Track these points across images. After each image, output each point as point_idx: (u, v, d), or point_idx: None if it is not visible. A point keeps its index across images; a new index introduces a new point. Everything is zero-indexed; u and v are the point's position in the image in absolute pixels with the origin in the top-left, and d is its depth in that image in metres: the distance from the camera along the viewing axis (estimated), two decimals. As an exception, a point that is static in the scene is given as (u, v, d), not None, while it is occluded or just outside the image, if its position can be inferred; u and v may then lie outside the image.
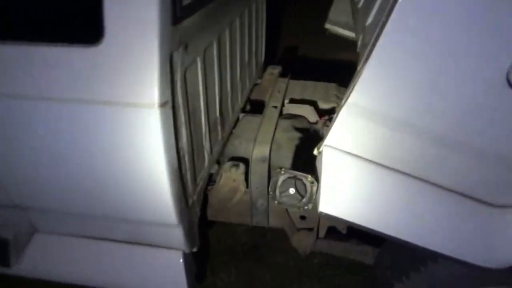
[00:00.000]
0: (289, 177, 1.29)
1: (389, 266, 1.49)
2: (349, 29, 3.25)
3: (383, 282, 1.51)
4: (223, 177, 1.80)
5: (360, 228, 1.24)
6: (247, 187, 1.84)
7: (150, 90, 1.17)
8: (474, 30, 0.96)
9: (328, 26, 3.27)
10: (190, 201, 1.58)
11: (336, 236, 1.89)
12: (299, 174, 1.28)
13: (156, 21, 1.11)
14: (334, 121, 1.19)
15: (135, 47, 1.15)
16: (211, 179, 1.90)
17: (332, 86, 2.62)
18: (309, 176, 1.25)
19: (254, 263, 2.36)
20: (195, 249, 1.68)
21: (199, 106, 1.62)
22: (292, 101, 2.35)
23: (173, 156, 1.34)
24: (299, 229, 1.89)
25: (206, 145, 1.75)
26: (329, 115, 2.12)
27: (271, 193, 1.35)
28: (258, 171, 1.82)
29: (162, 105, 1.21)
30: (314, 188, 1.25)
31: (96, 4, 1.11)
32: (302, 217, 1.88)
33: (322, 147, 1.27)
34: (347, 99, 1.12)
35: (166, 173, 1.32)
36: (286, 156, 1.85)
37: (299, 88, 2.59)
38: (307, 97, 2.46)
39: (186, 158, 1.48)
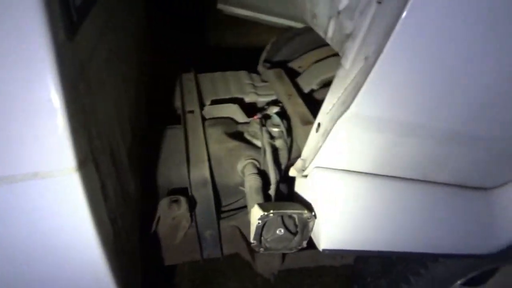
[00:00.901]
0: (274, 217, 0.99)
1: (383, 274, 1.35)
2: (243, 7, 3.00)
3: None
4: (160, 218, 1.40)
5: (369, 255, 1.04)
6: (192, 220, 1.48)
7: (60, 147, 0.73)
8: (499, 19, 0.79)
9: (220, 6, 2.95)
10: (130, 263, 1.17)
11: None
12: (289, 212, 0.98)
13: (44, 34, 0.67)
14: (325, 136, 0.93)
15: (16, 83, 0.69)
16: (150, 220, 1.49)
17: (243, 74, 2.33)
18: (305, 211, 0.97)
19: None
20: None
21: (116, 139, 1.18)
22: (214, 101, 2.00)
23: (107, 225, 0.92)
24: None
25: (131, 186, 1.32)
26: (260, 112, 1.84)
27: (254, 242, 1.04)
28: (201, 199, 1.47)
29: (82, 164, 0.77)
30: (311, 223, 0.99)
31: None
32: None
33: (309, 169, 1.01)
34: (344, 109, 0.86)
35: (101, 253, 0.90)
36: (230, 173, 1.53)
37: (208, 82, 2.23)
38: (221, 92, 2.12)
39: (119, 217, 1.06)
